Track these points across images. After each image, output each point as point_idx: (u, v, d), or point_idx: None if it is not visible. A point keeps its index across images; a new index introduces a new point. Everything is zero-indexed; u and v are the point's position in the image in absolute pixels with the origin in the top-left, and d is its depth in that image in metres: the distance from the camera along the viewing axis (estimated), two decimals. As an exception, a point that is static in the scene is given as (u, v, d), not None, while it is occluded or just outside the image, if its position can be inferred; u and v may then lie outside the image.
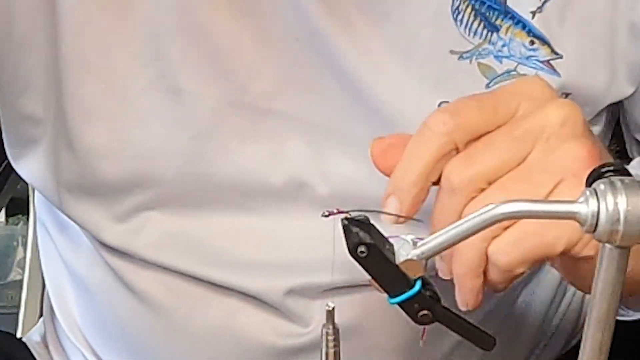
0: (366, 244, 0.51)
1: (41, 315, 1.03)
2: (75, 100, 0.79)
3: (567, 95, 0.79)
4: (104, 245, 0.85)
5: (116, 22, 0.77)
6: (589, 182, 0.49)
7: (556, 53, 0.78)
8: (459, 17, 0.77)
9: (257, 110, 0.79)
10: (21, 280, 1.21)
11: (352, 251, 0.52)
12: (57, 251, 0.93)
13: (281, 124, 0.79)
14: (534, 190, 0.58)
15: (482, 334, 0.55)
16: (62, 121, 0.80)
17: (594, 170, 0.50)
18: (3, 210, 1.75)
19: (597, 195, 0.47)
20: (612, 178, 0.48)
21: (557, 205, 0.48)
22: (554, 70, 0.79)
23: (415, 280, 0.52)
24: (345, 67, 0.77)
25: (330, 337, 0.54)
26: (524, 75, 0.78)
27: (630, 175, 0.49)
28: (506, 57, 0.78)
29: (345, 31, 0.76)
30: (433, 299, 0.53)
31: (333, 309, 0.54)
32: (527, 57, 0.78)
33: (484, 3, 0.77)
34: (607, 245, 0.48)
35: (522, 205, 0.49)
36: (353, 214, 0.53)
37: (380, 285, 0.53)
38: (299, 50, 0.77)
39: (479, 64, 0.78)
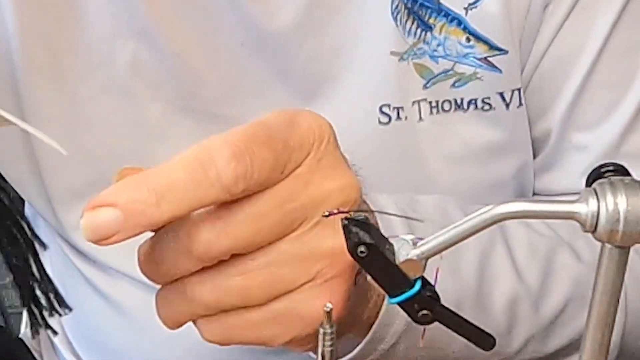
0: (366, 244, 0.51)
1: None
2: (32, 105, 0.79)
3: (518, 90, 0.78)
4: (74, 249, 0.85)
5: (62, 27, 0.77)
6: (589, 182, 0.49)
7: (499, 49, 0.77)
8: (398, 17, 0.76)
9: (207, 114, 0.79)
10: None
11: (352, 251, 0.52)
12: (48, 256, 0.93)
13: (230, 128, 0.79)
14: (277, 282, 0.55)
15: (483, 334, 0.55)
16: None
17: (594, 170, 0.50)
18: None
19: (597, 195, 0.47)
20: (612, 178, 0.48)
21: (556, 206, 0.48)
22: (494, 66, 0.77)
23: (415, 280, 0.52)
24: (293, 70, 0.77)
25: (328, 337, 0.54)
26: (462, 74, 0.77)
27: (630, 175, 0.49)
28: (442, 56, 0.77)
29: (290, 35, 0.76)
30: (433, 299, 0.53)
31: (331, 309, 0.54)
32: (465, 55, 0.77)
33: (416, 1, 0.76)
34: (607, 245, 0.48)
35: (522, 205, 0.49)
36: (353, 214, 0.53)
37: (380, 285, 0.52)
38: (244, 55, 0.77)
39: (415, 64, 0.77)
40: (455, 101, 0.78)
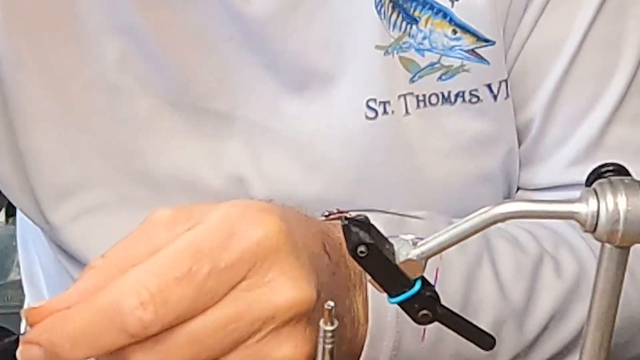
0: (366, 244, 0.51)
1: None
2: (18, 102, 0.79)
3: (505, 81, 0.78)
4: (61, 250, 0.85)
5: (50, 22, 0.77)
6: (589, 182, 0.49)
7: (486, 40, 0.76)
8: (382, 10, 0.76)
9: (196, 109, 0.79)
10: (21, 280, 1.21)
11: (352, 251, 0.52)
12: (34, 249, 0.93)
13: (219, 123, 0.79)
14: None
15: (483, 334, 0.55)
16: (7, 124, 0.79)
17: (594, 170, 0.50)
18: (3, 210, 1.75)
19: (597, 195, 0.47)
20: (612, 178, 0.48)
21: (556, 206, 0.49)
22: (481, 58, 0.77)
23: (415, 280, 0.52)
24: (281, 64, 0.77)
25: (329, 335, 0.54)
26: (448, 67, 0.77)
27: (630, 175, 0.49)
28: (428, 50, 0.77)
29: (277, 28, 0.76)
30: (433, 299, 0.53)
31: (332, 307, 0.54)
32: (451, 48, 0.77)
33: None
34: (607, 245, 0.48)
35: (522, 205, 0.49)
36: (353, 214, 0.53)
37: (380, 285, 0.52)
38: (233, 49, 0.77)
39: (400, 57, 0.77)
40: (443, 94, 0.78)
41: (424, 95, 0.78)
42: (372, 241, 0.52)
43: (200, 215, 0.55)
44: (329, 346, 0.55)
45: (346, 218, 0.52)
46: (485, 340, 0.55)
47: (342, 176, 0.79)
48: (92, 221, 0.82)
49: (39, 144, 0.80)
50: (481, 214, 0.49)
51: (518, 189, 0.85)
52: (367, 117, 0.78)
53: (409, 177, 0.79)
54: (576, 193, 0.80)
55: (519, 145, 0.83)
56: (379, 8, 0.76)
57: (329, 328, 0.54)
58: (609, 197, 0.47)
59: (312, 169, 0.79)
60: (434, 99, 0.78)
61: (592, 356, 0.50)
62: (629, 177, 0.48)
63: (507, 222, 0.81)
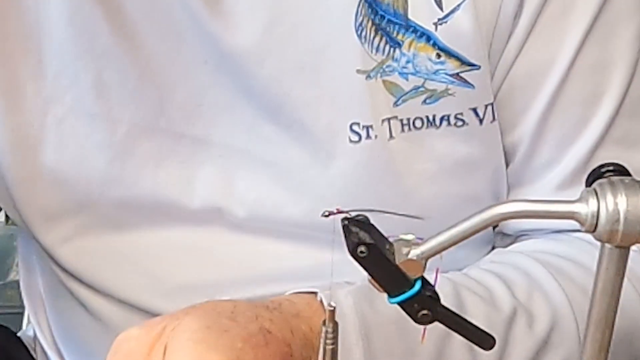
0: (366, 244, 0.51)
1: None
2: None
3: (491, 104, 0.77)
4: (59, 265, 0.85)
5: (23, 49, 0.77)
6: (589, 182, 0.49)
7: (471, 64, 0.75)
8: (363, 33, 0.75)
9: (172, 134, 0.79)
10: (21, 280, 1.21)
11: (352, 251, 0.52)
12: (35, 256, 0.93)
13: (195, 148, 0.79)
14: None
15: (483, 334, 0.55)
16: None
17: (594, 170, 0.50)
18: (3, 211, 1.75)
19: (597, 195, 0.47)
20: (612, 178, 0.48)
21: (556, 205, 0.49)
22: (466, 82, 0.76)
23: (415, 280, 0.52)
24: (256, 88, 0.77)
25: (330, 335, 0.54)
26: (433, 90, 0.76)
27: (629, 175, 0.49)
28: (412, 73, 0.76)
29: (252, 53, 0.75)
30: (433, 299, 0.53)
31: (334, 308, 0.54)
32: (435, 72, 0.76)
33: (384, 17, 0.75)
34: (607, 245, 0.48)
35: (522, 205, 0.49)
36: (353, 214, 0.53)
37: (380, 285, 0.53)
38: (208, 72, 0.77)
39: (384, 81, 0.76)
40: (427, 118, 0.77)
41: (408, 119, 0.77)
42: (372, 241, 0.52)
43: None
44: (330, 347, 0.55)
45: (346, 218, 0.52)
46: (485, 340, 0.55)
47: (328, 200, 0.78)
48: (80, 243, 0.82)
49: (16, 170, 0.80)
50: (481, 213, 0.49)
51: None
52: (350, 141, 0.77)
53: (395, 200, 0.79)
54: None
55: (507, 166, 0.82)
56: (359, 32, 0.75)
57: (330, 329, 0.54)
58: (609, 197, 0.47)
59: (296, 192, 0.79)
60: (418, 123, 0.77)
61: (592, 356, 0.50)
62: (629, 177, 0.48)
63: (489, 259, 0.82)
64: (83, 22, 0.76)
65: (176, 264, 0.82)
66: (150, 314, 0.83)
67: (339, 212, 0.54)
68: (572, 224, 0.51)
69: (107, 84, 0.78)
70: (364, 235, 0.52)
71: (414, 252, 0.51)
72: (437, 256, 0.52)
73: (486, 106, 0.77)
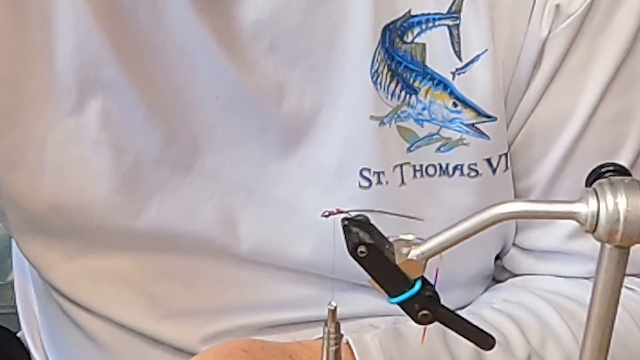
0: (366, 244, 0.51)
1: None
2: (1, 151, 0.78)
3: (505, 155, 0.76)
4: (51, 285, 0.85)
5: (34, 75, 0.76)
6: (589, 182, 0.49)
7: (487, 116, 0.75)
8: (378, 79, 0.74)
9: (181, 166, 0.78)
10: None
11: (352, 251, 0.52)
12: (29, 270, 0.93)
13: (202, 182, 0.78)
14: None
15: (483, 334, 0.55)
16: None
17: (594, 170, 0.50)
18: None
19: (597, 195, 0.47)
20: (612, 178, 0.48)
21: (556, 205, 0.48)
22: (482, 133, 0.75)
23: (415, 280, 0.52)
24: (269, 126, 0.76)
25: (332, 336, 0.54)
26: (448, 139, 0.75)
27: (630, 175, 0.49)
28: (427, 120, 0.75)
29: (267, 90, 0.75)
30: (433, 299, 0.53)
31: (335, 308, 0.54)
32: (451, 120, 0.75)
33: (401, 63, 0.74)
34: (607, 245, 0.48)
35: (522, 205, 0.49)
36: (353, 214, 0.53)
37: (380, 285, 0.52)
38: (219, 108, 0.76)
39: (398, 127, 0.75)
40: (440, 166, 0.76)
41: (421, 166, 0.76)
42: (372, 241, 0.52)
43: None
44: (333, 347, 0.55)
45: (346, 218, 0.52)
46: (485, 340, 0.55)
47: (333, 242, 0.77)
48: (77, 265, 0.82)
49: (14, 190, 0.79)
50: (481, 213, 0.49)
51: (514, 244, 0.83)
52: (360, 186, 0.76)
53: None
54: (579, 262, 0.80)
55: None
56: (374, 78, 0.74)
57: (333, 329, 0.54)
58: (609, 197, 0.47)
59: (302, 232, 0.78)
60: (431, 170, 0.77)
61: (592, 356, 0.50)
62: (629, 177, 0.48)
63: (501, 296, 0.81)
64: (90, 51, 0.75)
65: (176, 289, 0.82)
66: (148, 337, 0.83)
67: (339, 212, 0.54)
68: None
69: (114, 113, 0.76)
70: (364, 235, 0.52)
71: (414, 252, 0.51)
72: (437, 256, 0.52)
73: (500, 156, 0.76)
